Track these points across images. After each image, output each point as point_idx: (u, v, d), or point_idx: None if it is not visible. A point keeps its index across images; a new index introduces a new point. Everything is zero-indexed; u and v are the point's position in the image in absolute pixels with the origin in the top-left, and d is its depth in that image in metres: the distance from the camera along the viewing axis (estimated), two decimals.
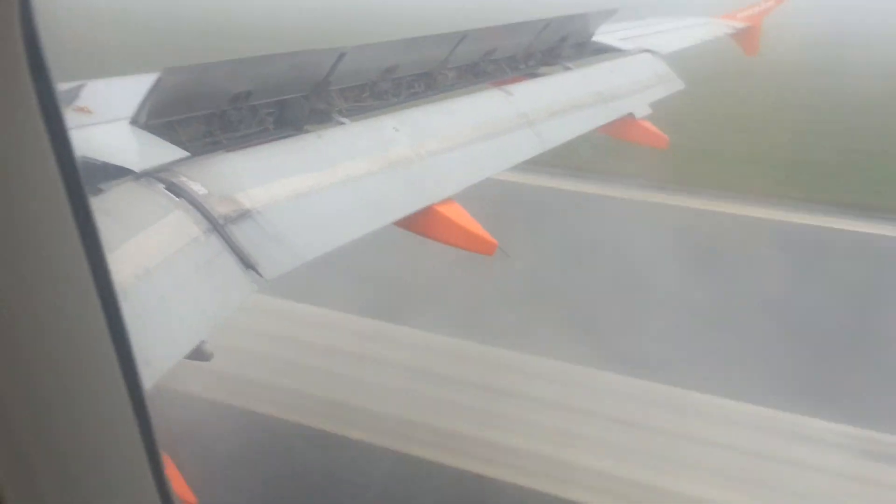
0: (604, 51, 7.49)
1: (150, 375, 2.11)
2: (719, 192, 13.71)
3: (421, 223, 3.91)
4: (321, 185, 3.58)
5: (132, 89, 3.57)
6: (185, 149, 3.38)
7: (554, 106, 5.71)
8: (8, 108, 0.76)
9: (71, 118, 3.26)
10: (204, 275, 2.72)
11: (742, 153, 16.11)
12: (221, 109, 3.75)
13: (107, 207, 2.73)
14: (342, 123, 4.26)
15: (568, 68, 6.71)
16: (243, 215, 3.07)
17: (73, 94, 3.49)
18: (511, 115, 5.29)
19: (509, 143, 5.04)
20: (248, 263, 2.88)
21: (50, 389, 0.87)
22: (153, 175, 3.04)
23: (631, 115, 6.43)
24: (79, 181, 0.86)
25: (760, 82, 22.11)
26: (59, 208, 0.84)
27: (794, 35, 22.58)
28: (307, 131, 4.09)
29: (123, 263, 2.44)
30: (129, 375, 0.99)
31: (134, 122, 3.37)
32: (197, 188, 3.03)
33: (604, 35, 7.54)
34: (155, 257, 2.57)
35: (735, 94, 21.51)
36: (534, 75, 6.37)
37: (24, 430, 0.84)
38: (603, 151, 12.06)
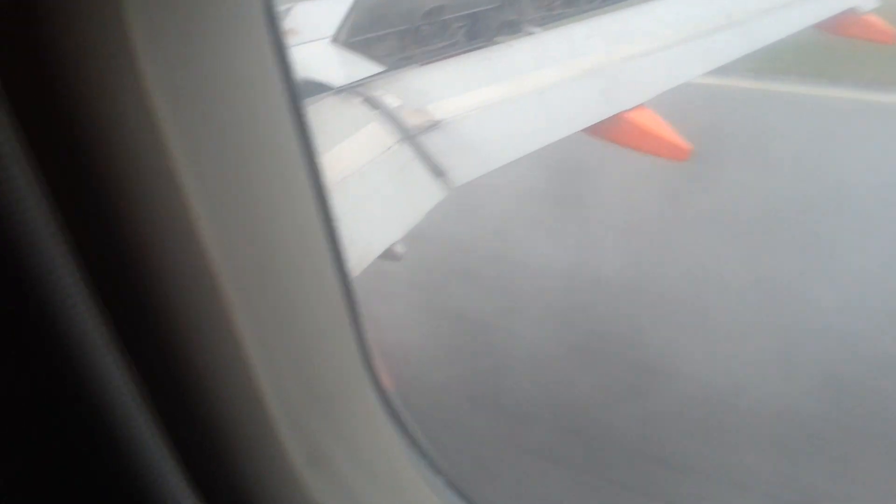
0: None
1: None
2: None
3: (611, 130, 3.85)
4: (509, 95, 3.63)
5: (334, 9, 3.80)
6: (382, 64, 3.57)
7: (763, 2, 5.29)
8: (244, 36, 0.88)
9: None
10: (397, 181, 2.90)
11: None
12: (415, 25, 3.88)
13: (311, 121, 2.97)
14: (533, 33, 4.25)
15: None
16: (434, 126, 3.21)
17: (282, 17, 3.77)
18: (714, 14, 4.98)
19: (711, 44, 4.76)
20: (437, 171, 3.03)
21: (274, 283, 1.02)
22: (352, 89, 3.25)
23: (853, 10, 5.80)
24: (298, 96, 0.98)
25: None
26: (283, 122, 0.97)
27: None
28: (498, 42, 4.12)
29: (326, 170, 2.66)
30: (340, 270, 1.13)
31: (335, 40, 3.60)
32: (391, 101, 3.20)
33: None
34: (352, 166, 2.78)
35: None
36: None
37: (264, 320, 1.00)
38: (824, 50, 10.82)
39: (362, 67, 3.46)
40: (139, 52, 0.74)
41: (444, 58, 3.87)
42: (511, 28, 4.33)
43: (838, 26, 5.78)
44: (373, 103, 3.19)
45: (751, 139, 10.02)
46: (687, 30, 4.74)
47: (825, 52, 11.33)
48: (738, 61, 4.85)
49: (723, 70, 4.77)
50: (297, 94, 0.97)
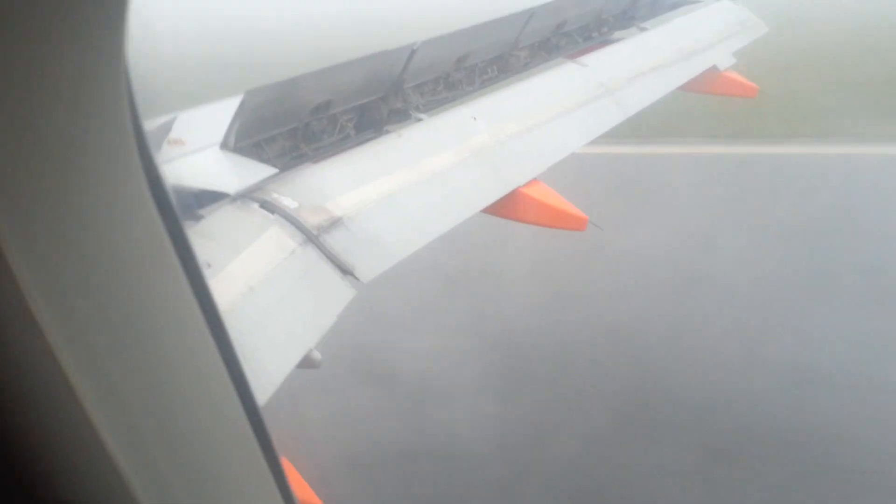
0: (679, 5, 7.27)
1: (264, 388, 2.22)
2: (817, 136, 13.00)
3: (508, 207, 3.92)
4: (406, 184, 3.65)
5: (219, 115, 3.73)
6: (274, 165, 3.52)
7: (632, 70, 5.59)
8: (111, 151, 0.82)
9: (166, 151, 3.46)
10: (304, 285, 2.83)
11: (833, 95, 15.19)
12: (304, 122, 3.87)
13: (208, 232, 2.88)
14: (420, 119, 4.32)
15: (643, 29, 6.55)
16: (335, 223, 3.17)
17: (166, 128, 3.67)
18: (588, 86, 5.21)
19: (589, 115, 4.98)
20: (344, 269, 2.98)
21: (169, 411, 0.95)
22: (247, 196, 3.18)
23: (714, 67, 6.22)
24: (174, 212, 0.92)
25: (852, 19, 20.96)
26: (159, 238, 0.90)
27: None
28: (387, 132, 4.17)
29: (229, 284, 2.57)
30: (242, 390, 1.06)
31: (223, 146, 3.53)
32: (288, 203, 3.15)
33: None
34: (257, 275, 2.70)
35: (824, 34, 20.40)
36: (608, 42, 6.25)
37: (156, 451, 0.92)
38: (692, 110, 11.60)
39: (255, 171, 3.40)
40: None
41: (336, 152, 3.87)
42: (399, 116, 4.40)
43: (704, 85, 6.17)
44: (270, 207, 3.14)
45: (639, 203, 10.60)
46: (566, 102, 4.94)
47: (695, 111, 12.13)
48: (615, 128, 5.08)
49: (602, 137, 4.97)
50: (176, 219, 0.92)
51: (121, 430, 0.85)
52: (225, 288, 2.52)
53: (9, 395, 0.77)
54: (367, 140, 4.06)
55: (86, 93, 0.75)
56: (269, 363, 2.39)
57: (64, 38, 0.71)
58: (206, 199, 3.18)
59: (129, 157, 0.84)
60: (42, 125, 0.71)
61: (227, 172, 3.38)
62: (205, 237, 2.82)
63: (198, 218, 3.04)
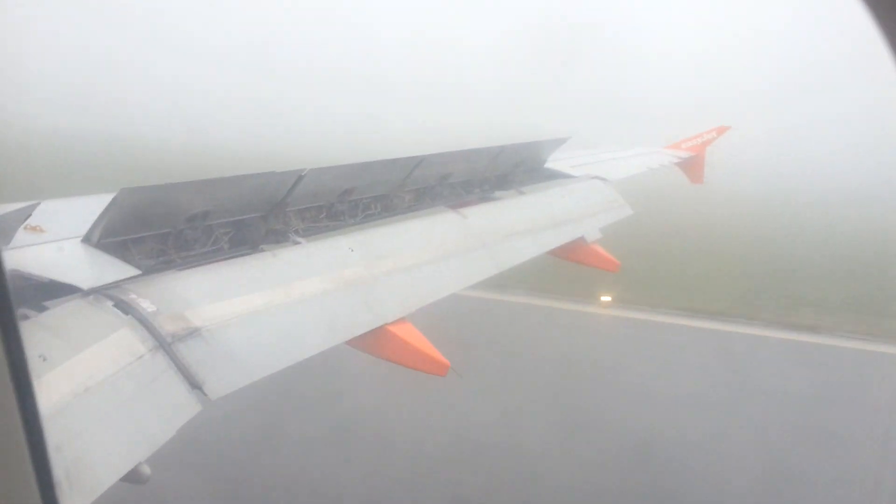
0: (556, 177, 7.77)
1: (83, 497, 2.03)
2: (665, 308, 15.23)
3: (373, 343, 3.90)
4: (274, 304, 3.58)
5: (87, 209, 3.59)
6: (138, 267, 3.38)
7: (507, 229, 5.85)
8: None
9: (21, 237, 3.26)
10: (147, 394, 2.66)
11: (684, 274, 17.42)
12: (177, 229, 3.77)
13: (50, 324, 2.69)
14: (298, 243, 4.30)
15: (521, 193, 6.93)
16: (192, 333, 3.04)
17: (26, 213, 3.49)
18: (465, 237, 5.40)
19: (463, 264, 5.12)
20: (193, 382, 2.83)
21: None
22: (101, 292, 3.02)
23: (582, 238, 6.60)
24: (8, 300, 0.86)
25: (705, 208, 23.81)
26: None
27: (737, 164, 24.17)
28: (263, 251, 4.11)
29: (64, 381, 2.38)
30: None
31: (86, 240, 3.37)
32: (146, 306, 3.01)
33: (556, 162, 7.84)
34: (96, 376, 2.52)
35: (681, 220, 22.88)
36: (488, 199, 6.56)
37: None
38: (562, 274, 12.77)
39: (115, 269, 3.25)
40: None
41: (207, 263, 3.77)
42: (277, 237, 4.37)
43: (571, 253, 6.51)
44: (124, 307, 2.98)
45: (501, 351, 11.29)
46: (443, 248, 5.08)
47: (563, 274, 13.37)
48: (489, 279, 5.24)
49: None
50: (7, 296, 0.86)
51: None
52: (58, 385, 2.33)
53: None
54: (241, 255, 3.99)
55: None
56: (92, 471, 2.19)
57: None
58: (56, 290, 3.00)
59: None
60: None
61: (84, 267, 3.22)
62: (45, 329, 2.63)
63: (41, 309, 2.85)
